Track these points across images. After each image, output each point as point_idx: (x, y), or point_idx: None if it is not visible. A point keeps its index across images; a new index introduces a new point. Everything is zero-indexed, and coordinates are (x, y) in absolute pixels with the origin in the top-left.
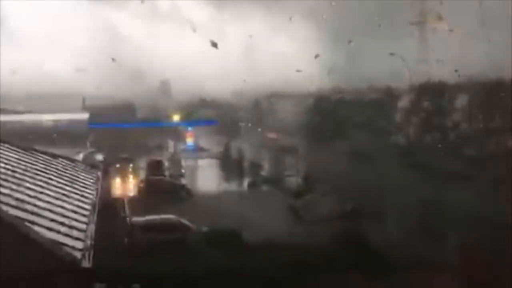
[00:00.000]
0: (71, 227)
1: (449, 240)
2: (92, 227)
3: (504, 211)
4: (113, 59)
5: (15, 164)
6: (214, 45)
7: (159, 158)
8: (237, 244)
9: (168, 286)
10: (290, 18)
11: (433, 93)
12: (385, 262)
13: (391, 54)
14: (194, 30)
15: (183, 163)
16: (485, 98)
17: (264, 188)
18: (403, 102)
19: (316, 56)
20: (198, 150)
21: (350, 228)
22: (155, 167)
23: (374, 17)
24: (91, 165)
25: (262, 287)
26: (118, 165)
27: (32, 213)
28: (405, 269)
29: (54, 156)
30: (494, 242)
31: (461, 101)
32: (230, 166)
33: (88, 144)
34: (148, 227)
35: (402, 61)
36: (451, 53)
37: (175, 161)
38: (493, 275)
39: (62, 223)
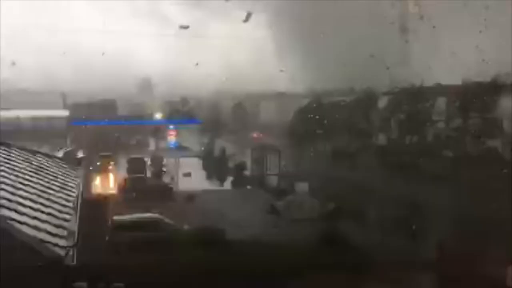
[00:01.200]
0: (53, 224)
1: (428, 239)
2: (74, 225)
3: (482, 210)
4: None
5: None
6: (247, 17)
7: (140, 156)
8: (219, 243)
9: (150, 285)
10: (274, 18)
11: (413, 95)
12: (366, 260)
13: (371, 56)
14: (177, 29)
15: (165, 161)
16: (465, 100)
17: (247, 187)
18: (384, 103)
19: (281, 70)
20: (179, 149)
21: (331, 228)
22: (136, 165)
23: (357, 18)
24: (72, 163)
25: (244, 285)
26: (99, 163)
27: (14, 210)
28: (386, 267)
29: (34, 152)
30: (472, 241)
31: (441, 103)
32: (212, 165)
33: (68, 141)
34: (129, 226)
35: (382, 62)
36: (430, 54)
37: (157, 159)
38: (471, 273)
39: (44, 221)
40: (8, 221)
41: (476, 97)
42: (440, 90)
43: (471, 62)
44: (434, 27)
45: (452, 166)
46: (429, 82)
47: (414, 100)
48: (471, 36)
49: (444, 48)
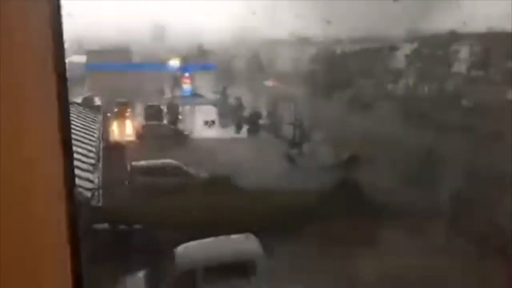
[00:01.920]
0: (79, 168)
1: (443, 190)
2: (98, 168)
3: (500, 162)
4: None
5: None
6: None
7: (156, 104)
8: (234, 189)
9: (167, 227)
10: None
11: (433, 43)
12: (379, 208)
13: (393, 0)
14: None
15: (180, 109)
16: (486, 49)
17: (262, 135)
18: (403, 52)
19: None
20: (194, 96)
21: (346, 176)
22: (153, 112)
23: None
24: (91, 109)
25: (257, 229)
26: (116, 110)
27: None
28: (400, 216)
29: None
30: (488, 193)
31: (462, 51)
32: (228, 113)
33: (86, 87)
34: (147, 171)
35: (404, 8)
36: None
37: (172, 106)
38: (485, 225)
39: (75, 166)
40: None
41: (500, 46)
42: (462, 37)
43: (496, 10)
44: None
45: (471, 116)
46: (451, 28)
47: (435, 47)
48: None
49: None
